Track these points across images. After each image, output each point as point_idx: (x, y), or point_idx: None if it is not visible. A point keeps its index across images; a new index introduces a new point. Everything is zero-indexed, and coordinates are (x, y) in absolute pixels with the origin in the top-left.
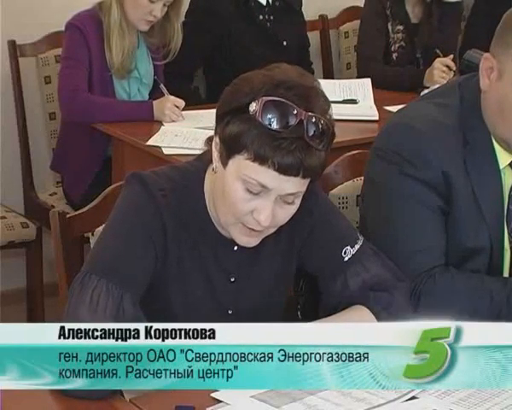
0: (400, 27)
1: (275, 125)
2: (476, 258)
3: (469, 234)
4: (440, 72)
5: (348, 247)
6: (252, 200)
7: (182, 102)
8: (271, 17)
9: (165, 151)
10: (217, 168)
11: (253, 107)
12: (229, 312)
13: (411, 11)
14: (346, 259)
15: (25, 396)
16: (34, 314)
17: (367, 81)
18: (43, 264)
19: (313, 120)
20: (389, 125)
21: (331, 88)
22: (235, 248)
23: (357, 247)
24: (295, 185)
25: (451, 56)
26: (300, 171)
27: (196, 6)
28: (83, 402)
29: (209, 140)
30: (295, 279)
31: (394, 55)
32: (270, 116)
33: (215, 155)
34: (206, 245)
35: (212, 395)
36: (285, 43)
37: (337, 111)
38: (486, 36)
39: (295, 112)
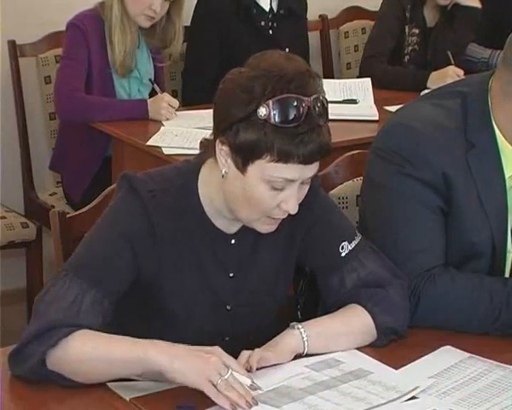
0: (416, 31)
1: (289, 122)
2: (478, 260)
3: (473, 230)
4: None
5: (346, 242)
6: (278, 194)
7: (176, 102)
8: (274, 24)
9: (165, 151)
10: (227, 174)
11: (263, 112)
12: (228, 307)
13: (428, 15)
14: (344, 254)
15: (25, 396)
16: None
17: (367, 81)
18: (43, 264)
19: (316, 102)
20: (389, 125)
21: (331, 88)
22: (233, 241)
23: (354, 243)
24: (315, 167)
25: (462, 72)
26: (322, 152)
27: (198, 11)
28: (83, 402)
29: (203, 144)
30: (295, 279)
31: (406, 58)
32: (281, 115)
33: (222, 160)
34: (204, 241)
35: None
36: (287, 49)
37: (337, 111)
38: (486, 34)
39: (302, 102)
